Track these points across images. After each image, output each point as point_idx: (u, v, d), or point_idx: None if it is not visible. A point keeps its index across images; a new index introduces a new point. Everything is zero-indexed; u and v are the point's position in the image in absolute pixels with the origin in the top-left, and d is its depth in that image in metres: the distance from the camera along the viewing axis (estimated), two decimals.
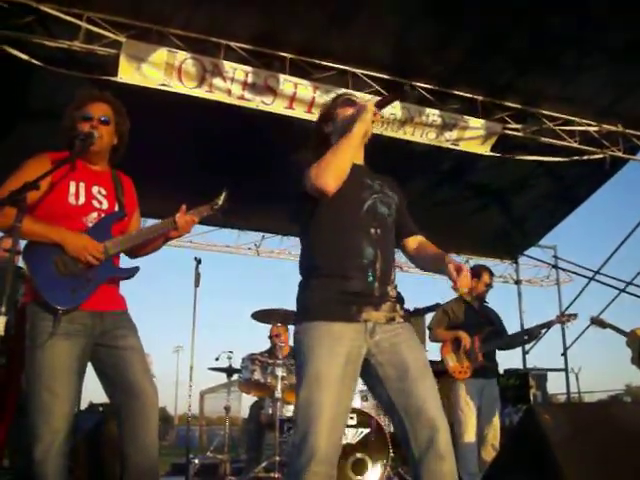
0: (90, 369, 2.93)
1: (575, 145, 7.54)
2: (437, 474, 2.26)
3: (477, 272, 5.79)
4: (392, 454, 5.11)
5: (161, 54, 5.76)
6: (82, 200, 2.88)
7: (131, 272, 3.00)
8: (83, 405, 6.29)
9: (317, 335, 2.42)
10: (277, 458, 5.20)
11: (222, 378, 6.53)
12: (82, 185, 2.91)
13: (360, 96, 6.24)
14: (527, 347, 10.52)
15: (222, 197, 3.06)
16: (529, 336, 5.88)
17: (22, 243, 2.84)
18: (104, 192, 2.97)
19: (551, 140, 7.47)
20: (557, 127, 7.45)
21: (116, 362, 2.82)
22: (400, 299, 2.61)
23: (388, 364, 2.44)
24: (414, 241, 2.83)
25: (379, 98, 2.59)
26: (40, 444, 2.58)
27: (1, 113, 6.70)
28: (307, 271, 2.60)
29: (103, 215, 2.92)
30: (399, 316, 2.53)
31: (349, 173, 2.50)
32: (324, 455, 2.28)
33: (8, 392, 3.76)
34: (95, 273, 2.81)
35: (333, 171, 2.45)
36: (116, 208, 3.00)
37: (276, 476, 5.11)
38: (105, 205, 2.95)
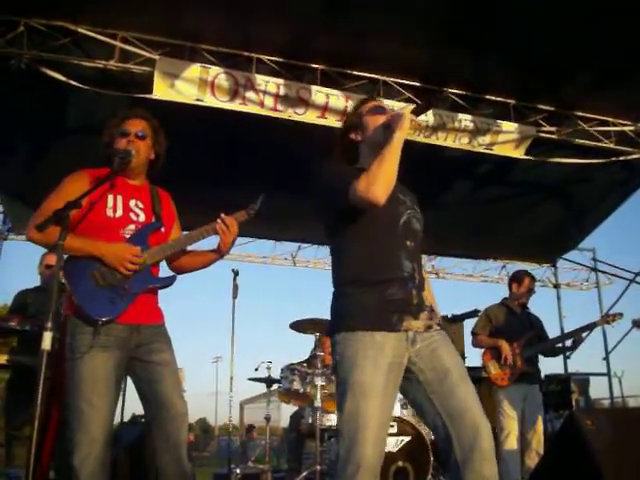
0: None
1: (611, 146, 7.44)
2: (482, 476, 2.26)
3: (519, 277, 5.73)
4: (433, 462, 5.08)
5: (194, 70, 5.85)
6: (120, 213, 2.95)
7: (168, 281, 3.05)
8: (126, 417, 6.38)
9: (360, 346, 2.41)
10: (317, 467, 5.20)
11: (261, 388, 6.58)
12: (120, 198, 2.99)
13: (390, 104, 6.27)
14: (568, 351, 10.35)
15: (259, 201, 3.07)
16: (573, 341, 5.75)
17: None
18: (141, 205, 3.05)
19: (586, 141, 7.38)
20: (592, 128, 7.36)
21: (150, 377, 2.89)
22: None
23: (428, 369, 2.45)
24: None
25: (413, 105, 2.59)
26: (79, 452, 2.68)
27: (39, 133, 6.88)
28: (344, 281, 2.59)
29: (140, 227, 2.99)
30: (435, 324, 2.54)
31: None
32: (371, 465, 2.30)
33: (52, 405, 3.84)
34: (133, 283, 2.88)
35: (383, 182, 2.41)
36: (153, 220, 3.06)
37: None
38: (142, 218, 3.02)
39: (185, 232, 3.20)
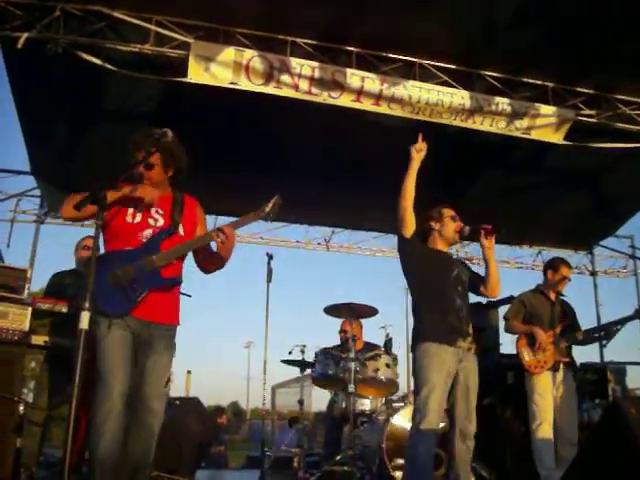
0: None
1: None
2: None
3: (554, 265, 5.63)
4: None
5: (229, 53, 5.83)
6: (138, 219, 3.31)
7: (173, 281, 3.36)
8: None
9: (429, 352, 3.78)
10: (350, 452, 5.20)
11: (293, 373, 6.62)
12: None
13: (431, 88, 6.22)
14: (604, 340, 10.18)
15: (270, 203, 3.28)
16: (606, 333, 5.66)
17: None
18: (161, 211, 3.38)
19: (627, 125, 7.20)
20: (633, 112, 7.18)
21: (141, 371, 3.20)
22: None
23: (460, 381, 3.83)
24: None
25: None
26: (100, 412, 3.03)
27: (75, 117, 6.96)
28: (420, 312, 4.00)
29: (157, 231, 3.31)
30: (474, 348, 3.94)
31: (443, 258, 4.13)
32: (434, 423, 3.64)
33: (87, 386, 3.87)
34: (140, 283, 3.20)
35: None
36: (169, 226, 3.37)
37: (350, 470, 5.11)
38: (160, 222, 3.35)
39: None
